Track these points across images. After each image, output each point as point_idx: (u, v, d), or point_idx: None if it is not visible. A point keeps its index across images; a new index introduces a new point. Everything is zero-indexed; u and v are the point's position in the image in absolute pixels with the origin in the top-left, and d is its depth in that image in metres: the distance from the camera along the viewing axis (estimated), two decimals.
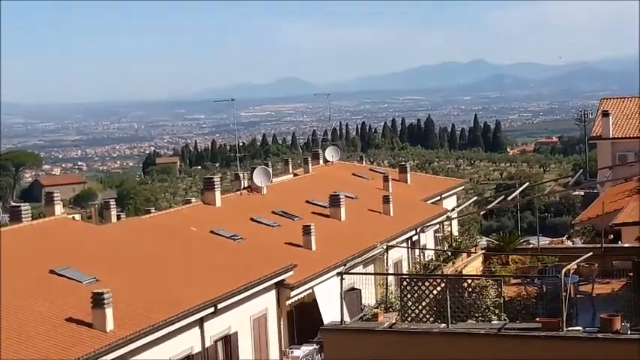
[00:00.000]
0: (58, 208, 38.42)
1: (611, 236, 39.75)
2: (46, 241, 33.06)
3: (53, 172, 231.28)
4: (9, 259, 30.55)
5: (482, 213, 59.92)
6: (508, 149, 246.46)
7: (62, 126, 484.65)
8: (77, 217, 44.29)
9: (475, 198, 79.73)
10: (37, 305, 27.53)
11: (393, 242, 39.67)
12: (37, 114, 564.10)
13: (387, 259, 31.96)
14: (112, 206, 42.29)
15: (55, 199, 38.92)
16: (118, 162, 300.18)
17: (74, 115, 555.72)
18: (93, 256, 32.18)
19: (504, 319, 18.58)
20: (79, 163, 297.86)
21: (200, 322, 31.36)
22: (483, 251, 29.81)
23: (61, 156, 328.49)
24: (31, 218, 35.81)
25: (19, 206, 36.77)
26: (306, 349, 37.95)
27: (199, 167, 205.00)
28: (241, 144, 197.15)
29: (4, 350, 24.42)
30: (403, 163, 67.40)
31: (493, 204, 54.26)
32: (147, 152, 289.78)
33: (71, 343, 25.85)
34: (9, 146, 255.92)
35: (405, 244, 44.01)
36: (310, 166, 57.48)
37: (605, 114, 57.99)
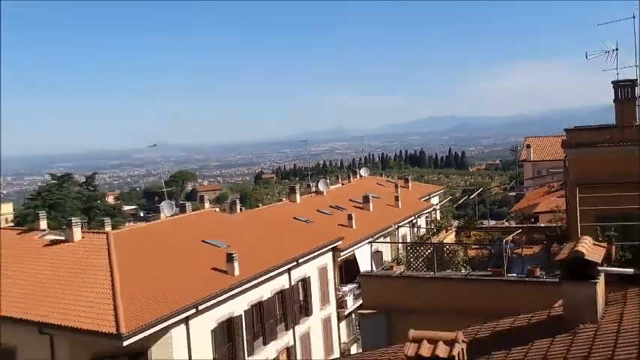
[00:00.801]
0: (207, 205, 38.80)
1: (533, 220, 39.29)
2: (200, 223, 33.42)
3: (203, 183, 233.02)
4: (182, 233, 30.96)
5: (454, 206, 59.44)
6: (470, 168, 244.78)
7: (207, 157, 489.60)
8: (217, 210, 44.56)
9: (450, 197, 78.72)
10: (196, 259, 27.83)
11: (401, 223, 39.40)
12: (195, 150, 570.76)
13: (397, 233, 31.62)
14: (237, 204, 42.47)
15: (204, 199, 39.38)
16: (241, 178, 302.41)
17: (216, 150, 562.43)
18: (226, 232, 32.43)
19: (469, 270, 18.28)
20: (218, 178, 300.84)
21: (288, 270, 31.41)
22: (455, 229, 29.43)
23: (207, 174, 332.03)
24: (191, 210, 36.21)
25: (185, 204, 37.24)
26: (350, 286, 37.88)
27: (287, 180, 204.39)
28: (311, 166, 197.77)
29: (184, 278, 24.70)
30: (406, 177, 66.71)
31: (461, 200, 53.67)
32: (256, 172, 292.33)
33: (215, 281, 26.11)
34: (180, 168, 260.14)
35: (408, 225, 43.60)
36: (351, 179, 57.47)
37: (528, 146, 58.39)
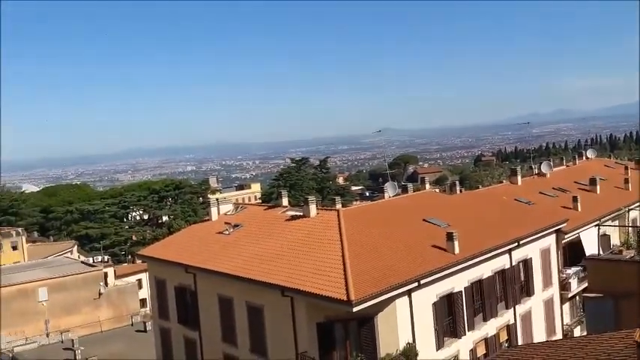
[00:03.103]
0: (427, 186, 38.85)
1: None
2: (421, 203, 33.61)
3: (424, 166, 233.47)
4: (404, 212, 31.48)
5: None
6: None
7: (428, 140, 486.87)
8: (437, 191, 44.42)
9: None
10: (418, 237, 28.08)
11: (632, 206, 35.82)
12: (417, 134, 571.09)
13: (627, 216, 28.78)
14: (456, 185, 41.93)
15: (425, 181, 39.53)
16: (460, 160, 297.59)
17: (437, 134, 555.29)
18: (447, 212, 32.15)
19: None
20: (438, 161, 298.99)
21: (509, 251, 30.30)
22: None
23: (428, 157, 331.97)
24: (412, 191, 36.54)
25: (406, 185, 37.73)
26: (574, 269, 35.52)
27: (507, 162, 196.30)
28: (533, 148, 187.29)
29: (406, 253, 25.22)
30: (637, 159, 60.10)
31: None
32: (476, 154, 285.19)
33: (436, 258, 26.15)
34: (402, 152, 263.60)
35: (639, 208, 39.44)
36: (577, 161, 53.40)
37: None
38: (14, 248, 74.31)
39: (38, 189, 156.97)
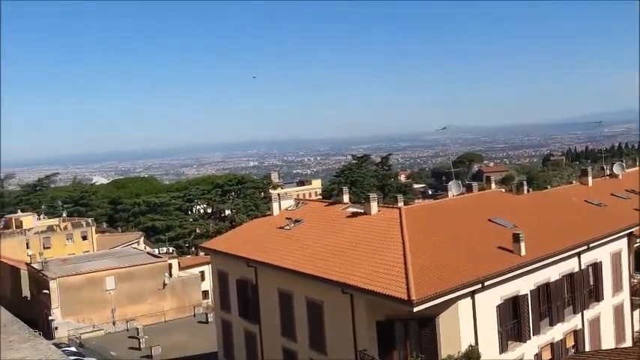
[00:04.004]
0: (493, 185, 37.91)
1: None
2: (486, 203, 32.89)
3: (489, 165, 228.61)
4: (468, 211, 30.88)
5: None
6: None
7: (494, 139, 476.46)
8: (503, 190, 43.33)
9: None
10: (482, 237, 27.48)
11: None
12: (482, 132, 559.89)
13: None
14: (524, 185, 40.76)
15: (491, 180, 38.58)
16: (528, 159, 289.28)
17: (503, 132, 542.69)
18: (513, 213, 31.33)
19: None
20: (504, 160, 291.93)
21: (578, 254, 29.25)
22: None
23: (493, 155, 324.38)
24: (477, 190, 35.81)
25: (471, 184, 37.02)
26: None
27: (577, 162, 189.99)
28: (605, 148, 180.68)
29: (470, 253, 24.72)
30: None
31: None
32: (544, 154, 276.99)
33: (501, 259, 25.53)
34: (467, 150, 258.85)
35: None
36: None
37: None
38: (84, 238, 77.42)
39: (108, 181, 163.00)
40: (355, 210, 31.55)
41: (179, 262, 66.82)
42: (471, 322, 23.79)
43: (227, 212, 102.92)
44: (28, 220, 76.39)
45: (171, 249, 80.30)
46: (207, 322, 53.36)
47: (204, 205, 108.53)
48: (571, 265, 29.00)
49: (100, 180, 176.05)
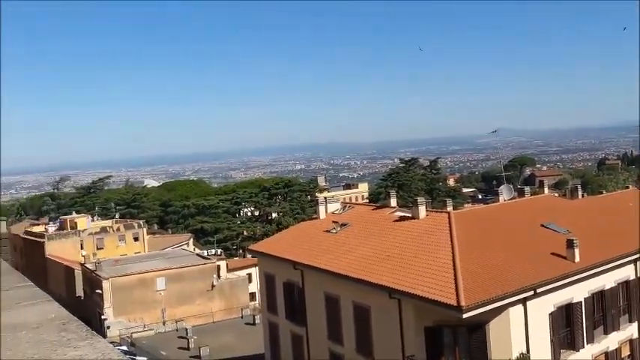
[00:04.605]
0: (546, 190, 37.09)
1: None
2: (539, 208, 32.19)
3: (542, 168, 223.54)
4: (520, 216, 30.28)
5: None
6: None
7: (547, 142, 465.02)
8: (556, 195, 42.37)
9: None
10: (535, 243, 26.88)
11: None
12: (534, 135, 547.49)
13: None
14: (578, 189, 39.78)
15: (544, 184, 37.77)
16: (582, 163, 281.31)
17: (556, 135, 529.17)
18: (567, 218, 30.57)
19: None
20: (558, 164, 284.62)
21: (634, 261, 28.31)
22: None
23: (546, 159, 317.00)
24: (530, 194, 35.09)
25: (523, 188, 36.34)
26: None
27: (633, 166, 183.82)
28: None
29: (522, 259, 24.23)
30: None
31: None
32: (599, 157, 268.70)
33: (554, 266, 24.95)
34: (518, 153, 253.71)
35: None
36: None
37: None
38: (136, 239, 79.32)
39: (159, 184, 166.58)
40: (403, 214, 31.35)
41: (227, 264, 67.66)
42: (522, 329, 23.32)
43: (274, 215, 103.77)
44: (82, 221, 78.77)
45: (219, 251, 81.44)
46: (254, 323, 53.85)
47: (252, 208, 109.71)
48: (627, 273, 28.09)
49: (151, 183, 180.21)
